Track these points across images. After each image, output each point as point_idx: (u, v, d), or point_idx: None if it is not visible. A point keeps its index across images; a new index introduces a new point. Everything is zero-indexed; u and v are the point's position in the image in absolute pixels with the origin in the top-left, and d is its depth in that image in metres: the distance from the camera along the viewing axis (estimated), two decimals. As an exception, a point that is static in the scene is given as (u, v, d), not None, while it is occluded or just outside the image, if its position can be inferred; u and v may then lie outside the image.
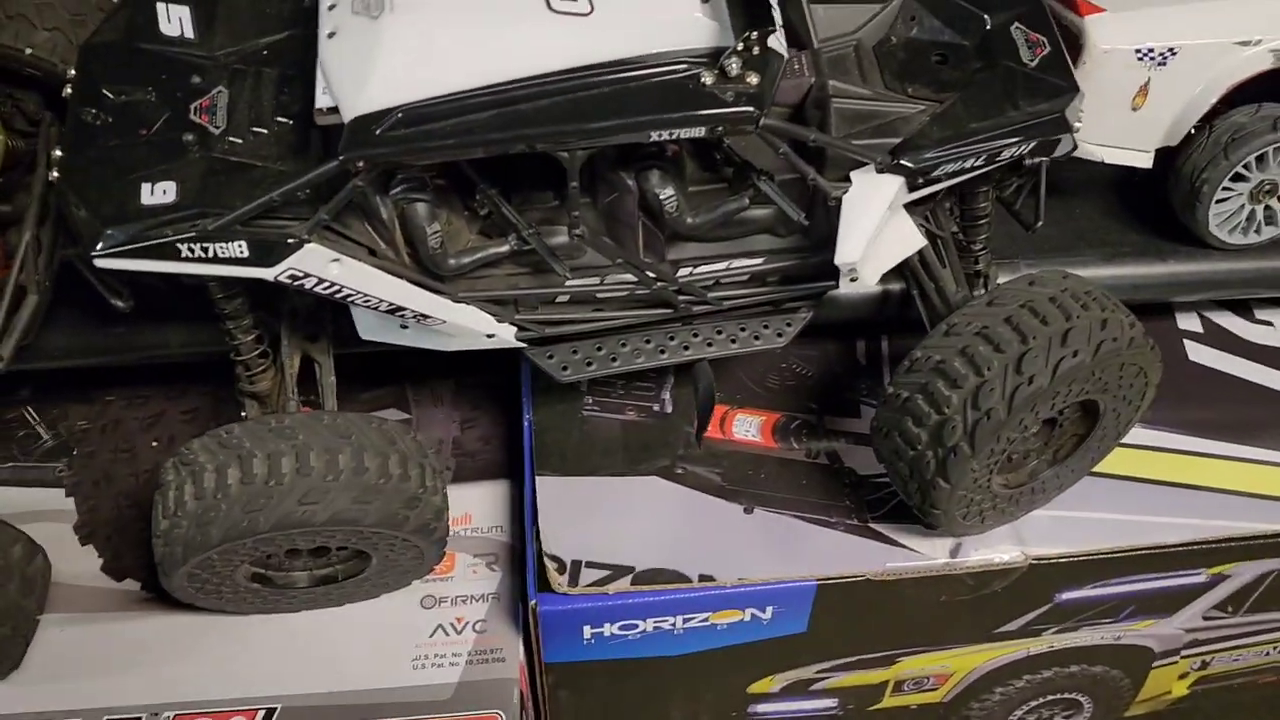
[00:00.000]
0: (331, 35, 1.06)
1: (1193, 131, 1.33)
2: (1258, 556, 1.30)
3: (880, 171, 1.10)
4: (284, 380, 1.25)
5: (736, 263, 1.21)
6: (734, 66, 1.00)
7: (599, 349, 1.25)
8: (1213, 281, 1.43)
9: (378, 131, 1.00)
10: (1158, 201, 1.42)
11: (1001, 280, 1.36)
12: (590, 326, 1.24)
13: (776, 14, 1.06)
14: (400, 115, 1.00)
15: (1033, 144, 1.14)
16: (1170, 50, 1.27)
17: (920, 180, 1.12)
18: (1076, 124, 1.17)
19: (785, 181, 1.13)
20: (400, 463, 1.13)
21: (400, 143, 1.00)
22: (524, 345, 1.23)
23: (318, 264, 1.06)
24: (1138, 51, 1.27)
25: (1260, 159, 1.32)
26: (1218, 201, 1.35)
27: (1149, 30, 1.27)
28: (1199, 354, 1.46)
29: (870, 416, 1.20)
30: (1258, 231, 1.39)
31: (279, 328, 1.26)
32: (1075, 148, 1.18)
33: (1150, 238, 1.44)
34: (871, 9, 1.20)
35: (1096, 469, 1.27)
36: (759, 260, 1.21)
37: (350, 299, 1.11)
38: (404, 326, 1.19)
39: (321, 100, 1.04)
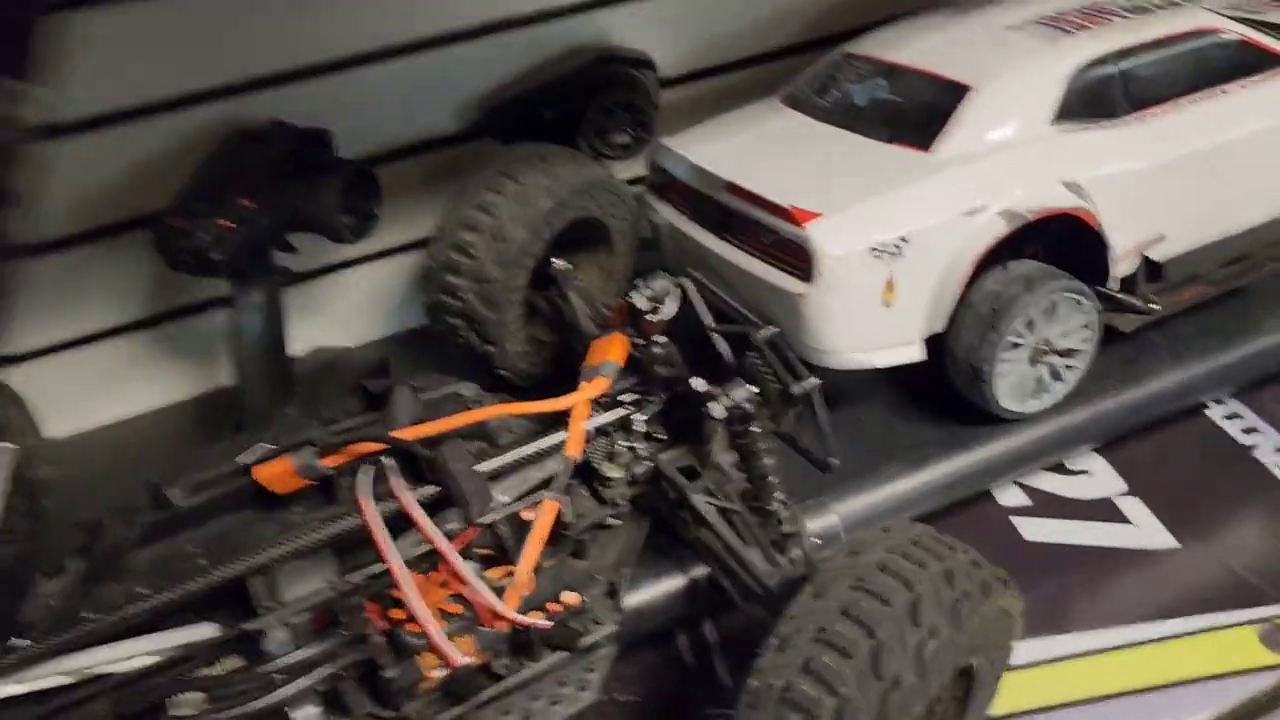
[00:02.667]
0: None
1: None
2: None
3: None
4: None
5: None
6: None
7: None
8: (1023, 456, 1.30)
9: None
10: (938, 383, 1.30)
11: (811, 525, 1.20)
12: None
13: None
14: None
15: None
16: (902, 239, 1.16)
17: None
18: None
19: None
20: None
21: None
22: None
23: None
24: (871, 249, 1.15)
25: (1029, 323, 1.22)
26: (1000, 376, 1.23)
27: (874, 224, 1.16)
28: (1032, 530, 1.32)
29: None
30: (1049, 392, 1.29)
31: None
32: None
33: (946, 427, 1.30)
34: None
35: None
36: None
37: None
38: None
39: None
